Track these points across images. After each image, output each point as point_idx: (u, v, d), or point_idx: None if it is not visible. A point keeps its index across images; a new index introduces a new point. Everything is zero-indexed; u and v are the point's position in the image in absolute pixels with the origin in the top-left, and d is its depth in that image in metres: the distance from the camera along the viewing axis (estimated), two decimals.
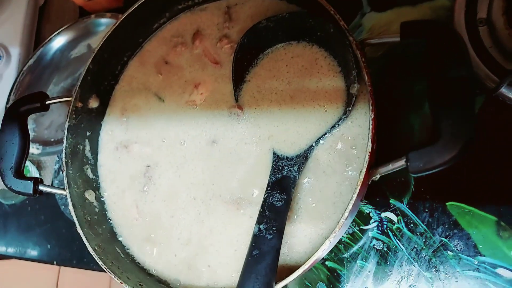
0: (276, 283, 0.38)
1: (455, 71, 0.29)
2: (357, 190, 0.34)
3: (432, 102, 0.30)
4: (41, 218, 0.75)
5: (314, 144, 0.42)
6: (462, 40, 0.31)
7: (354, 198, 0.34)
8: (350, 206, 0.34)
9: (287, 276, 0.37)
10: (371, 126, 0.34)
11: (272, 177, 0.43)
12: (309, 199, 0.42)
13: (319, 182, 0.42)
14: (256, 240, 0.40)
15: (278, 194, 0.41)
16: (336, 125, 0.41)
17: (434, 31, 0.31)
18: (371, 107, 0.35)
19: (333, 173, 0.42)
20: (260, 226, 0.41)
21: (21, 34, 0.83)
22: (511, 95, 0.47)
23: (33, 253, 0.75)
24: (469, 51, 0.50)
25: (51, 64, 0.81)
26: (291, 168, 0.42)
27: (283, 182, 0.42)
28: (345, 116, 0.41)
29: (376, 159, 0.41)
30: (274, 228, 0.40)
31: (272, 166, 0.43)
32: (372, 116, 0.35)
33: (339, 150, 0.42)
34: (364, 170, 0.34)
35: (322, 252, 0.35)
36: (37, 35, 0.86)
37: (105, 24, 0.77)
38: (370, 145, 0.34)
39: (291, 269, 0.38)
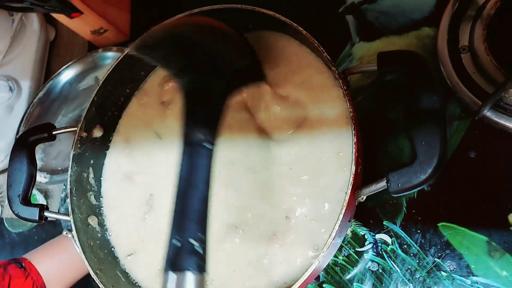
0: None
1: (426, 96, 0.31)
2: (343, 211, 0.36)
3: (408, 127, 0.32)
4: None
5: None
6: (432, 67, 0.33)
7: (340, 219, 0.35)
8: (336, 226, 0.35)
9: None
10: (354, 150, 0.36)
11: None
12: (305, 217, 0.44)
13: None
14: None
15: None
16: None
17: (406, 60, 0.34)
18: (353, 132, 0.37)
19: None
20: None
21: (32, 68, 0.87)
22: (495, 118, 0.49)
23: None
24: (454, 77, 0.52)
25: (60, 96, 0.85)
26: None
27: None
28: None
29: (366, 180, 0.43)
30: None
31: None
32: (355, 140, 0.37)
33: None
34: (349, 191, 0.36)
35: (311, 271, 0.36)
36: (47, 69, 0.90)
37: (111, 57, 0.81)
38: (353, 167, 0.36)
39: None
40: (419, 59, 0.34)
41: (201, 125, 0.35)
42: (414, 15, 0.58)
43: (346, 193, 0.36)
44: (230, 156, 0.46)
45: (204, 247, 0.32)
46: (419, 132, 0.31)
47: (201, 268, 0.32)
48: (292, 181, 0.44)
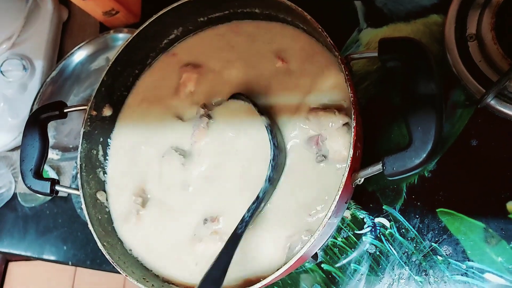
0: (268, 276, 0.41)
1: (424, 83, 0.32)
2: (339, 192, 0.37)
3: (404, 112, 0.33)
4: (58, 221, 0.79)
5: None
6: (431, 55, 0.33)
7: (336, 199, 0.37)
8: (333, 206, 0.37)
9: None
10: (352, 134, 0.37)
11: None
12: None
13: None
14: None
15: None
16: None
17: (406, 47, 0.34)
18: (353, 116, 0.38)
19: None
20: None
21: (45, 48, 0.88)
22: (498, 106, 0.50)
23: (50, 254, 0.78)
24: (459, 65, 0.52)
25: (72, 76, 0.86)
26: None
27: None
28: None
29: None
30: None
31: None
32: (354, 124, 0.38)
33: None
34: (346, 174, 0.37)
35: (307, 248, 0.38)
36: (60, 49, 0.91)
37: (122, 38, 0.82)
38: (351, 151, 0.37)
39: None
40: (419, 46, 0.34)
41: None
42: (422, 1, 0.57)
43: (343, 175, 0.37)
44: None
45: None
46: (415, 118, 0.32)
47: None
48: None
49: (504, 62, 0.49)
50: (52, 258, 0.78)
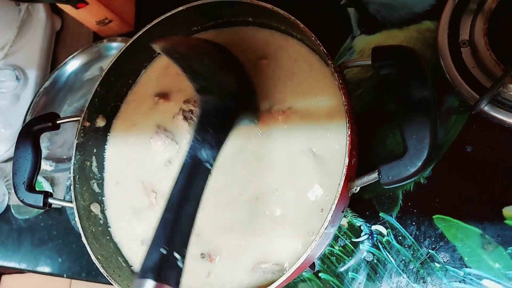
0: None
1: (418, 91, 0.32)
2: (336, 201, 0.36)
3: (399, 120, 0.33)
4: (53, 233, 0.78)
5: None
6: (424, 62, 0.33)
7: (333, 209, 0.36)
8: (329, 216, 0.36)
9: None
10: (347, 142, 0.37)
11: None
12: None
13: None
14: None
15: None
16: None
17: (400, 55, 0.34)
18: (347, 125, 0.38)
19: None
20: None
21: (38, 58, 0.87)
22: (492, 112, 0.50)
23: (45, 266, 0.77)
24: (453, 71, 0.52)
25: (66, 86, 0.85)
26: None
27: None
28: None
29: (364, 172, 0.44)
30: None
31: None
32: (349, 132, 0.37)
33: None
34: (342, 183, 0.37)
35: (304, 259, 0.37)
36: (53, 59, 0.90)
37: (116, 48, 0.81)
38: (347, 159, 0.37)
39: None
40: (412, 54, 0.34)
41: (209, 145, 0.36)
42: (415, 8, 0.58)
43: (339, 184, 0.37)
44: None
45: (183, 264, 0.32)
46: (409, 126, 0.32)
47: (178, 285, 0.32)
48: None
49: (497, 68, 0.50)
50: (47, 270, 0.77)
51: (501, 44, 0.51)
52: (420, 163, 0.32)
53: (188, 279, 0.48)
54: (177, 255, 0.31)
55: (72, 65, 0.85)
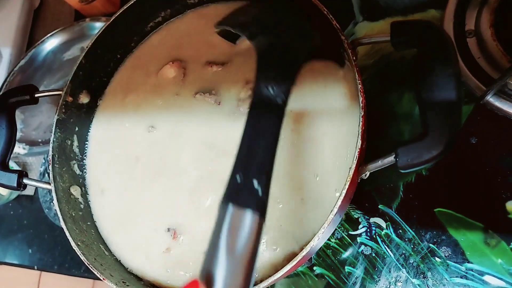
0: (261, 281, 0.37)
1: (442, 69, 0.30)
2: (347, 186, 0.34)
3: (420, 100, 0.31)
4: (23, 223, 0.74)
5: None
6: (450, 39, 0.31)
7: (343, 194, 0.34)
8: (339, 202, 0.34)
9: (272, 274, 0.36)
10: (361, 123, 0.35)
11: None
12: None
13: None
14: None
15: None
16: None
17: (422, 30, 0.32)
18: (361, 105, 0.35)
19: None
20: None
21: (13, 35, 0.83)
22: (498, 103, 0.49)
23: (14, 258, 0.74)
24: (459, 61, 0.51)
25: (43, 66, 0.81)
26: None
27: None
28: None
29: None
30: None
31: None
32: (362, 113, 0.35)
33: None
34: (354, 166, 0.34)
35: (311, 248, 0.35)
36: (31, 38, 0.86)
37: (99, 27, 0.77)
38: (359, 142, 0.34)
39: (276, 267, 0.37)
40: (435, 28, 0.32)
41: (274, 82, 0.34)
42: None
43: (350, 168, 0.34)
44: None
45: (266, 195, 0.31)
46: (432, 105, 0.30)
47: (262, 212, 0.31)
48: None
49: (504, 59, 0.49)
50: (16, 262, 0.74)
51: (507, 35, 0.50)
52: (443, 145, 0.29)
53: (147, 246, 0.46)
54: (256, 183, 0.31)
55: (51, 43, 0.81)
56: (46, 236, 0.72)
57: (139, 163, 0.50)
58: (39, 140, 0.76)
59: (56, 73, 0.81)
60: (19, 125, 0.77)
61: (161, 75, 0.51)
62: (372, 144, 0.52)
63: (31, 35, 0.87)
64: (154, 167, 0.49)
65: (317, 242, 0.34)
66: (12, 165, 0.74)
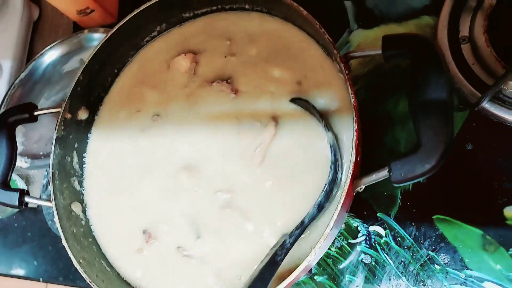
0: None
1: (433, 81, 0.30)
2: (342, 200, 0.34)
3: (413, 113, 0.31)
4: (27, 235, 0.75)
5: None
6: (440, 52, 0.32)
7: (339, 209, 0.34)
8: (335, 216, 0.34)
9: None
10: (354, 137, 0.35)
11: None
12: None
13: None
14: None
15: None
16: None
17: (413, 44, 0.32)
18: (354, 118, 0.35)
19: None
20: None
21: (14, 48, 0.83)
22: (493, 110, 0.49)
23: (19, 270, 0.74)
24: (453, 67, 0.51)
25: (43, 78, 0.82)
26: None
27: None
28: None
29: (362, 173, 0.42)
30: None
31: None
32: (356, 127, 0.35)
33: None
34: (349, 180, 0.35)
35: (308, 263, 0.35)
36: (30, 50, 0.86)
37: (98, 39, 0.78)
38: (354, 156, 0.35)
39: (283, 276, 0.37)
40: (426, 42, 0.33)
41: None
42: (414, 3, 0.56)
43: (345, 182, 0.35)
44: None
45: None
46: (425, 119, 0.30)
47: None
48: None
49: (498, 65, 0.49)
50: (22, 274, 0.74)
51: (501, 41, 0.50)
52: (436, 158, 0.30)
53: (119, 242, 0.48)
54: None
55: (50, 56, 0.81)
56: (51, 248, 0.72)
57: (136, 176, 0.50)
58: (41, 153, 0.76)
59: (56, 85, 0.82)
60: (20, 138, 0.77)
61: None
62: (368, 152, 0.52)
63: (30, 47, 0.88)
64: (154, 180, 0.49)
65: (314, 257, 0.35)
66: (15, 178, 0.75)
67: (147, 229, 0.47)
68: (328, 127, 0.41)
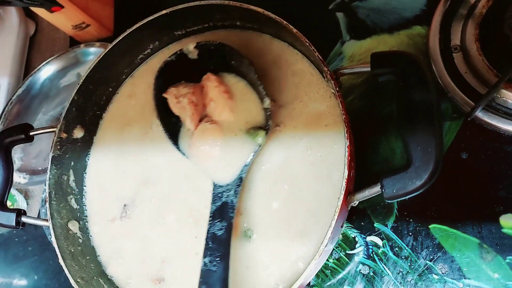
0: None
1: (421, 99, 0.30)
2: (335, 217, 0.34)
3: (402, 131, 0.31)
4: (28, 249, 0.75)
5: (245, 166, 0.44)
6: (426, 67, 0.32)
7: (333, 225, 0.34)
8: (329, 233, 0.34)
9: None
10: (346, 154, 0.35)
11: (213, 206, 0.43)
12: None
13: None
14: (203, 275, 0.40)
15: (219, 223, 0.42)
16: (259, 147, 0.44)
17: (400, 61, 0.33)
18: (346, 135, 0.36)
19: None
20: (205, 260, 0.40)
21: (10, 64, 0.84)
22: (486, 118, 0.49)
23: (20, 284, 0.74)
24: (445, 76, 0.51)
25: (40, 93, 0.82)
26: (228, 193, 0.43)
27: (222, 209, 0.42)
28: (266, 133, 0.43)
29: (357, 183, 0.42)
30: (218, 259, 0.40)
31: (212, 196, 0.44)
32: (348, 143, 0.35)
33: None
34: (342, 197, 0.35)
35: (304, 279, 0.35)
36: (27, 65, 0.87)
37: (94, 53, 0.78)
38: (346, 172, 0.35)
39: None
40: (414, 60, 0.33)
41: None
42: (405, 13, 0.57)
43: (338, 198, 0.35)
44: None
45: None
46: (413, 136, 0.30)
47: None
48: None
49: (490, 73, 0.49)
50: None
51: (493, 49, 0.50)
52: (426, 176, 0.30)
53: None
54: None
55: (47, 71, 0.81)
56: (51, 262, 0.72)
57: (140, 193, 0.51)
58: (40, 169, 0.76)
59: (53, 100, 0.82)
60: (19, 154, 0.78)
61: None
62: (363, 162, 0.53)
63: (27, 62, 0.88)
64: (156, 199, 0.50)
65: (309, 273, 0.35)
66: (14, 193, 0.75)
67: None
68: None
